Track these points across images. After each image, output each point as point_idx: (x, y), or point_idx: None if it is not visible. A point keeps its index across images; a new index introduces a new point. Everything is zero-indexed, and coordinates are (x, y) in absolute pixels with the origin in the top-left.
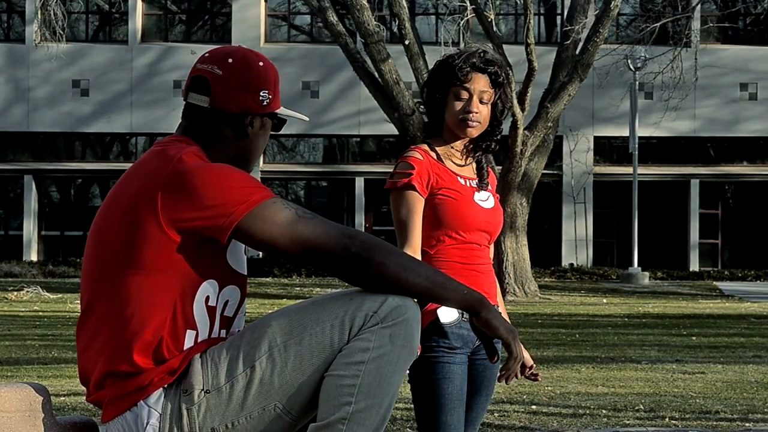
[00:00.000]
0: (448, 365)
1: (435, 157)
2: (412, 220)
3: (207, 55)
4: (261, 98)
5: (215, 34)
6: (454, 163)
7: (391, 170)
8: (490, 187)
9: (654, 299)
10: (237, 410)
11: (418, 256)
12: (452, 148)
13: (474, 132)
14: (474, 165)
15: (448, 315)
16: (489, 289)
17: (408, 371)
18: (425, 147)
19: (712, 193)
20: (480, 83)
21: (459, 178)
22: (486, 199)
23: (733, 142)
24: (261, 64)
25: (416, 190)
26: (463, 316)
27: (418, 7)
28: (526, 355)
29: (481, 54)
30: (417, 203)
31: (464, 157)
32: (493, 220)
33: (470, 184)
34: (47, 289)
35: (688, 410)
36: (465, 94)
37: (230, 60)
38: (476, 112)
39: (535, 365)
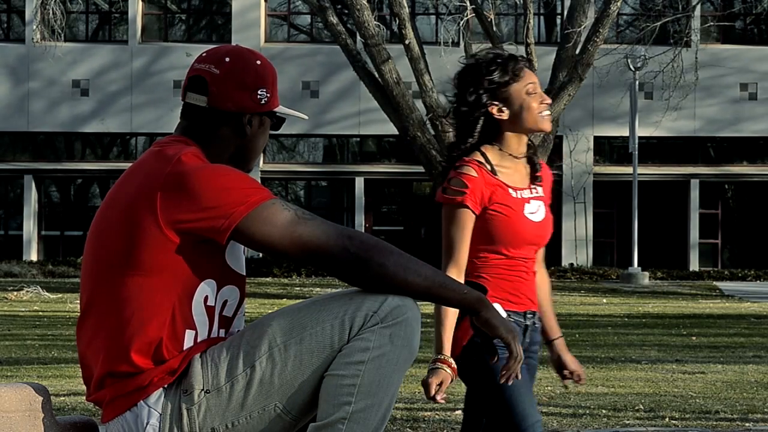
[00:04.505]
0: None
1: (489, 169)
2: (461, 238)
3: (204, 54)
4: (259, 97)
5: (215, 34)
6: (507, 172)
7: (444, 182)
8: (541, 181)
9: (654, 299)
10: (237, 410)
11: (462, 275)
12: (509, 155)
13: (550, 124)
14: (527, 166)
15: None
16: (532, 295)
17: (474, 380)
18: (479, 158)
19: (712, 193)
20: (533, 76)
21: (511, 190)
22: (536, 211)
23: (733, 142)
24: (258, 62)
25: (469, 209)
26: (510, 318)
27: (418, 7)
28: (569, 358)
29: (516, 55)
30: (468, 222)
31: (519, 159)
32: (542, 233)
33: (521, 195)
34: (47, 289)
35: (688, 410)
36: (534, 88)
37: (227, 59)
38: (549, 102)
39: (578, 369)
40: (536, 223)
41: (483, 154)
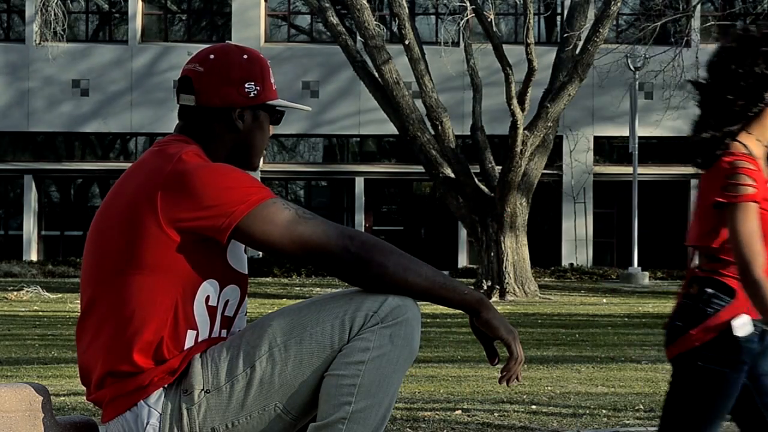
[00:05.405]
0: (735, 384)
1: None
2: (759, 234)
3: (194, 55)
4: (246, 90)
5: (215, 34)
6: (761, 164)
7: (721, 181)
8: None
9: (654, 299)
10: (237, 410)
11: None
12: (761, 142)
13: None
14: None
15: (744, 327)
16: None
17: (689, 377)
18: (743, 150)
19: None
20: None
21: None
22: None
23: None
24: (245, 57)
25: (758, 203)
26: (756, 329)
27: (418, 7)
28: None
29: None
30: (758, 216)
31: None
32: None
33: None
34: (47, 288)
35: None
36: None
37: (212, 56)
38: None
39: None
40: None
41: (745, 146)
